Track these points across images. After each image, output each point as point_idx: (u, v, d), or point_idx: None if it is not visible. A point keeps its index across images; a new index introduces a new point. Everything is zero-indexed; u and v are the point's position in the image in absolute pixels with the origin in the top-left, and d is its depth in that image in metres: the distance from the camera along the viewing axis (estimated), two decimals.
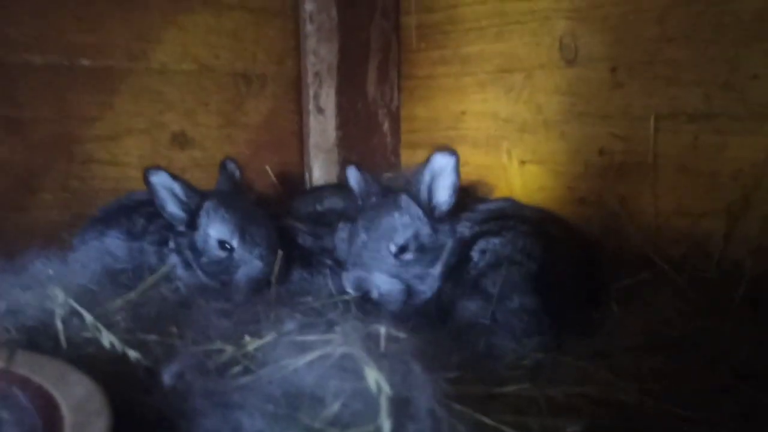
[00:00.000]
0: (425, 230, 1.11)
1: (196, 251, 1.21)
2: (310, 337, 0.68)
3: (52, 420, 0.58)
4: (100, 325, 0.71)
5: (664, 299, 1.11)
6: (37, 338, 0.72)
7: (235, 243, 1.19)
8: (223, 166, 1.33)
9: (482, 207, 1.21)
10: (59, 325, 0.71)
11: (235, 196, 1.28)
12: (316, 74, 1.76)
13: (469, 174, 1.67)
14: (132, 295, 0.91)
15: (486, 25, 1.64)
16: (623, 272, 1.19)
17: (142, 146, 1.56)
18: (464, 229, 1.14)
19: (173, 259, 1.22)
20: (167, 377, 0.63)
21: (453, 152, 1.09)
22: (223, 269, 1.20)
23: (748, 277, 1.10)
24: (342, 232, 1.29)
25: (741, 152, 1.21)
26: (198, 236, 1.21)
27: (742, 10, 1.17)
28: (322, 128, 1.79)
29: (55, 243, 1.30)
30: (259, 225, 1.23)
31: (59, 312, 0.72)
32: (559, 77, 1.49)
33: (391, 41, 1.85)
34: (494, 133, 1.65)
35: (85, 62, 1.46)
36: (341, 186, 1.56)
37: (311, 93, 1.77)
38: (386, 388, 0.56)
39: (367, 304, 1.07)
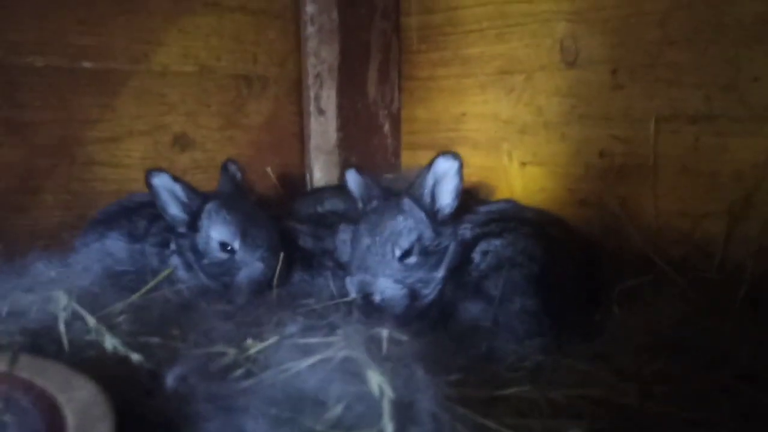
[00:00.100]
0: (428, 234, 1.11)
1: (198, 253, 1.21)
2: (313, 340, 0.68)
3: (55, 424, 0.58)
4: (103, 328, 0.71)
5: (664, 300, 1.11)
6: (40, 341, 0.72)
7: (236, 245, 1.19)
8: (224, 167, 1.33)
9: (483, 209, 1.21)
10: (62, 328, 0.71)
11: (237, 197, 1.28)
12: (317, 76, 1.76)
13: (470, 175, 1.67)
14: (134, 297, 0.91)
15: (486, 27, 1.64)
16: (624, 273, 1.20)
17: (144, 148, 1.56)
18: (465, 231, 1.15)
19: (174, 261, 1.23)
20: (170, 380, 0.63)
21: (456, 156, 1.10)
22: (224, 271, 1.20)
23: (749, 278, 1.10)
24: (343, 233, 1.29)
25: (742, 154, 1.21)
26: (199, 238, 1.21)
27: (743, 12, 1.17)
28: (323, 130, 1.80)
29: (56, 245, 1.31)
30: (260, 227, 1.23)
31: (62, 315, 0.73)
32: (559, 79, 1.49)
33: (391, 43, 1.86)
34: (495, 134, 1.65)
35: (87, 64, 1.46)
36: (342, 187, 1.56)
37: (312, 94, 1.77)
38: (389, 392, 0.56)
39: (370, 308, 1.07)
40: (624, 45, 1.36)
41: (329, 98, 1.78)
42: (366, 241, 1.09)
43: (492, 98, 1.65)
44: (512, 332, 1.00)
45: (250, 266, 1.19)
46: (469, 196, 1.38)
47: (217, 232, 1.20)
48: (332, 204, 1.48)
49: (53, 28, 1.41)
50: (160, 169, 1.21)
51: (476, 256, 1.09)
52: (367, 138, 1.87)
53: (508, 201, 1.29)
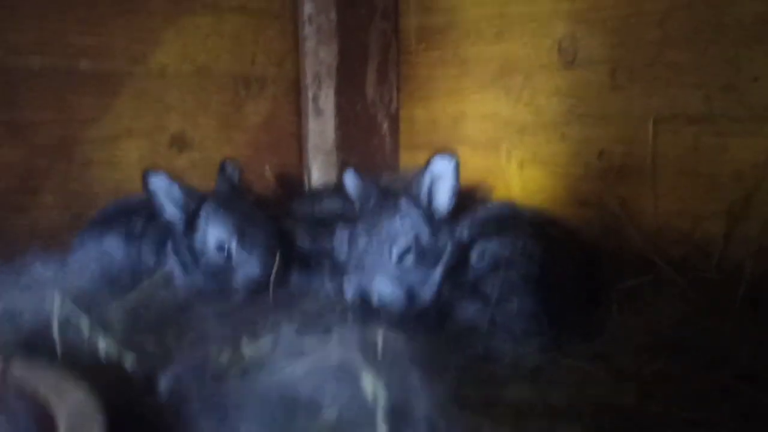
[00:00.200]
0: (425, 234, 1.11)
1: (195, 254, 1.21)
2: (308, 342, 0.67)
3: (46, 427, 0.58)
4: (97, 330, 0.71)
5: (664, 300, 1.11)
6: (35, 343, 0.72)
7: (233, 245, 1.19)
8: (222, 168, 1.33)
9: (481, 209, 1.21)
10: (56, 330, 0.71)
11: (234, 198, 1.28)
12: (316, 76, 1.76)
13: (469, 176, 1.66)
14: (130, 299, 0.91)
15: (485, 27, 1.63)
16: (624, 273, 1.19)
17: (142, 148, 1.56)
18: (463, 231, 1.14)
19: (172, 261, 1.22)
20: (164, 384, 0.62)
21: (452, 156, 1.09)
22: (221, 272, 1.20)
23: (749, 278, 1.10)
24: (341, 234, 1.28)
25: (741, 154, 1.20)
26: (197, 238, 1.21)
27: (742, 12, 1.17)
28: (321, 130, 1.79)
29: (55, 244, 1.30)
30: (257, 227, 1.23)
31: (56, 317, 0.72)
32: (558, 79, 1.49)
33: (390, 43, 1.85)
34: (494, 134, 1.65)
35: (86, 65, 1.46)
36: (340, 188, 1.56)
37: (310, 95, 1.77)
38: (383, 395, 0.56)
39: (368, 308, 1.07)
40: (623, 45, 1.36)
41: (327, 98, 1.78)
42: (363, 241, 1.09)
43: (491, 98, 1.64)
44: (509, 332, 0.99)
45: (247, 267, 1.19)
46: (467, 196, 1.37)
47: (214, 232, 1.20)
48: (330, 204, 1.48)
49: (52, 29, 1.41)
50: (158, 170, 1.21)
51: (474, 256, 1.09)
52: (366, 138, 1.87)
53: (505, 201, 1.28)
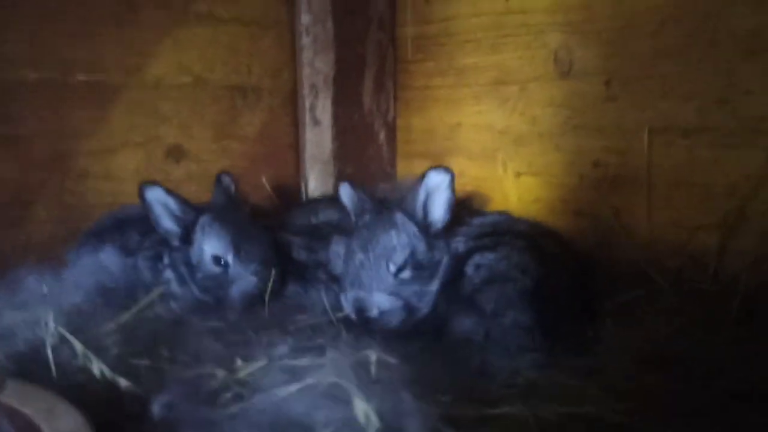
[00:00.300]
0: (421, 248, 1.11)
1: (191, 267, 1.21)
2: (301, 363, 0.67)
3: None
4: (90, 354, 0.71)
5: (659, 313, 1.11)
6: (28, 365, 0.71)
7: (230, 258, 1.19)
8: (218, 180, 1.33)
9: (477, 221, 1.21)
10: (50, 353, 0.71)
11: (231, 210, 1.28)
12: (312, 86, 1.76)
13: (465, 186, 1.67)
14: (125, 317, 0.91)
15: (481, 38, 1.64)
16: (618, 286, 1.19)
17: (138, 160, 1.56)
18: (459, 244, 1.14)
19: (168, 274, 1.22)
20: (157, 408, 0.62)
21: (447, 170, 1.10)
22: (217, 285, 1.19)
23: (744, 290, 1.10)
24: (337, 245, 1.29)
25: (735, 166, 1.21)
26: (193, 251, 1.21)
27: (736, 25, 1.17)
28: (318, 140, 1.80)
29: (50, 258, 1.30)
30: (254, 240, 1.23)
31: (49, 340, 0.72)
32: (553, 90, 1.49)
33: (387, 53, 1.86)
34: (490, 144, 1.65)
35: (80, 77, 1.46)
36: (337, 198, 1.56)
37: (307, 105, 1.77)
38: (374, 420, 0.56)
39: (366, 323, 1.07)
40: (617, 56, 1.36)
41: (324, 108, 1.78)
42: (359, 257, 1.09)
43: (487, 108, 1.65)
44: (505, 347, 1.00)
45: (244, 280, 1.19)
46: (463, 207, 1.38)
47: (210, 245, 1.20)
48: (327, 215, 1.48)
49: (46, 41, 1.41)
50: (154, 182, 1.21)
51: (469, 269, 1.09)
52: (363, 148, 1.87)
53: (501, 213, 1.28)
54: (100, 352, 0.74)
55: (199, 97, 1.63)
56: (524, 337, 1.01)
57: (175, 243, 1.23)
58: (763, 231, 1.18)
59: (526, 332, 1.01)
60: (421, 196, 1.12)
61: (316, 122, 1.78)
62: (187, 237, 1.21)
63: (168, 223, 1.22)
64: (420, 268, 1.11)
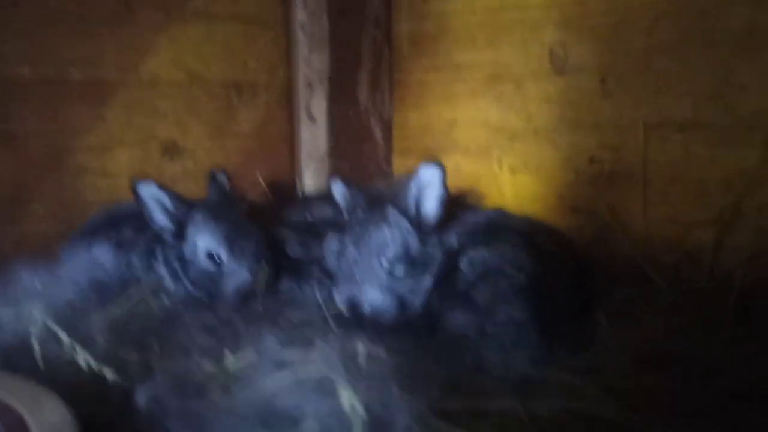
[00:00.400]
0: (414, 243, 1.11)
1: (185, 263, 1.21)
2: (291, 357, 0.67)
3: None
4: (76, 346, 0.71)
5: (655, 310, 1.10)
6: (15, 358, 0.71)
7: (223, 255, 1.19)
8: (212, 176, 1.33)
9: (471, 217, 1.21)
10: (36, 345, 0.71)
11: (225, 207, 1.28)
12: (308, 83, 1.76)
13: (461, 182, 1.66)
14: (115, 311, 0.91)
15: (477, 34, 1.64)
16: (614, 282, 1.19)
17: (134, 157, 1.56)
18: (453, 240, 1.14)
19: (161, 270, 1.22)
20: (143, 399, 0.62)
21: (439, 164, 1.09)
22: (211, 281, 1.19)
23: (740, 286, 1.10)
24: (331, 242, 1.28)
25: (731, 162, 1.20)
26: (186, 248, 1.21)
27: (731, 21, 1.17)
28: (314, 137, 1.79)
29: (46, 254, 1.30)
30: (248, 237, 1.23)
31: (36, 332, 0.72)
32: (549, 86, 1.49)
33: (382, 50, 1.85)
34: (485, 141, 1.65)
35: (76, 75, 1.46)
36: (332, 195, 1.56)
37: (303, 102, 1.77)
38: (361, 412, 0.56)
39: (359, 319, 1.07)
40: (612, 52, 1.36)
41: (320, 105, 1.78)
42: (352, 253, 1.09)
43: (482, 105, 1.65)
44: (499, 343, 0.99)
45: (237, 276, 1.19)
46: (458, 203, 1.37)
47: (204, 241, 1.20)
48: (321, 212, 1.48)
49: (42, 39, 1.41)
50: (147, 179, 1.21)
51: (464, 265, 1.08)
52: (359, 145, 1.87)
53: (496, 209, 1.28)
54: (88, 345, 0.74)
55: (195, 94, 1.63)
56: (519, 333, 1.00)
57: (169, 239, 1.22)
58: (758, 227, 1.18)
59: (521, 328, 1.00)
60: (413, 192, 1.11)
61: (312, 119, 1.78)
62: (180, 233, 1.21)
63: (161, 219, 1.22)
64: (413, 263, 1.10)
